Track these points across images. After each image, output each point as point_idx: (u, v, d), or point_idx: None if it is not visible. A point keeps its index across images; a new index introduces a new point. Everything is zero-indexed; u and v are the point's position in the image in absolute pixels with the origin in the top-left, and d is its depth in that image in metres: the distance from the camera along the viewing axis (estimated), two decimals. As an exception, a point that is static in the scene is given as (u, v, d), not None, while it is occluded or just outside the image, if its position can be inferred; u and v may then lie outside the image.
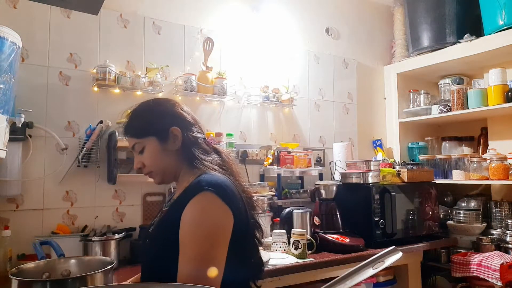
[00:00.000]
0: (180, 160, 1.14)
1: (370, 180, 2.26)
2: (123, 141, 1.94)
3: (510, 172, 2.40)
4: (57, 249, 1.34)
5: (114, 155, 1.94)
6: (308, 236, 2.06)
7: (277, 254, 1.92)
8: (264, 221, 2.23)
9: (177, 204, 1.04)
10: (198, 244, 0.95)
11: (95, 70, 2.00)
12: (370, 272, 0.79)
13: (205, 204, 0.99)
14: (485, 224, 2.54)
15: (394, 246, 0.88)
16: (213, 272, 0.93)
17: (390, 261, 0.83)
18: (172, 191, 2.09)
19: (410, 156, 3.05)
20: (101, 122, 1.96)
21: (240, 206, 1.06)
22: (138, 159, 1.16)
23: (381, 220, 2.18)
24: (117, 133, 1.94)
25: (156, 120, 1.14)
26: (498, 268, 2.09)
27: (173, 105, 1.19)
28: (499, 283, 2.09)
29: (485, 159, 2.54)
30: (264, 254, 1.82)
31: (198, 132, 1.18)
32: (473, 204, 2.64)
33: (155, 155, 1.13)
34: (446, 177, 2.76)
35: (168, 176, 1.17)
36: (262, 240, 1.24)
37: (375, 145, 3.10)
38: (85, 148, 1.91)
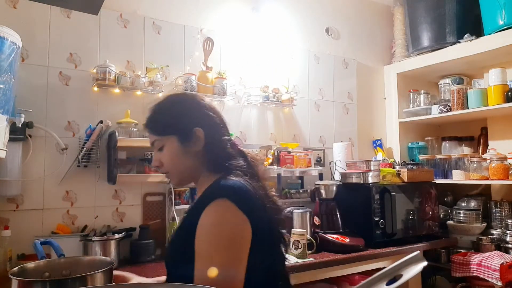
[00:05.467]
0: (201, 162, 1.08)
1: (370, 180, 2.26)
2: (123, 141, 1.95)
3: (510, 172, 2.39)
4: (57, 249, 1.34)
5: (114, 155, 1.94)
6: (308, 236, 2.06)
7: (277, 254, 1.92)
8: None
9: (194, 210, 1.00)
10: (214, 256, 0.89)
11: (95, 70, 2.00)
12: None
13: (220, 214, 0.93)
14: (485, 224, 2.54)
15: (418, 252, 0.66)
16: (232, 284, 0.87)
17: (410, 273, 0.63)
18: (172, 191, 2.10)
19: (410, 156, 3.05)
20: (101, 122, 1.96)
21: (260, 214, 0.98)
22: (157, 156, 1.10)
23: (381, 220, 2.18)
24: (117, 133, 1.94)
25: (180, 119, 1.08)
26: (498, 268, 2.09)
27: (199, 103, 1.12)
28: (499, 283, 2.09)
29: (485, 159, 2.54)
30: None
31: (223, 134, 1.11)
32: (473, 204, 2.64)
33: (174, 156, 1.07)
34: (446, 177, 2.76)
35: (186, 178, 1.12)
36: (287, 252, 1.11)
37: (375, 145, 3.10)
38: (85, 148, 1.91)
